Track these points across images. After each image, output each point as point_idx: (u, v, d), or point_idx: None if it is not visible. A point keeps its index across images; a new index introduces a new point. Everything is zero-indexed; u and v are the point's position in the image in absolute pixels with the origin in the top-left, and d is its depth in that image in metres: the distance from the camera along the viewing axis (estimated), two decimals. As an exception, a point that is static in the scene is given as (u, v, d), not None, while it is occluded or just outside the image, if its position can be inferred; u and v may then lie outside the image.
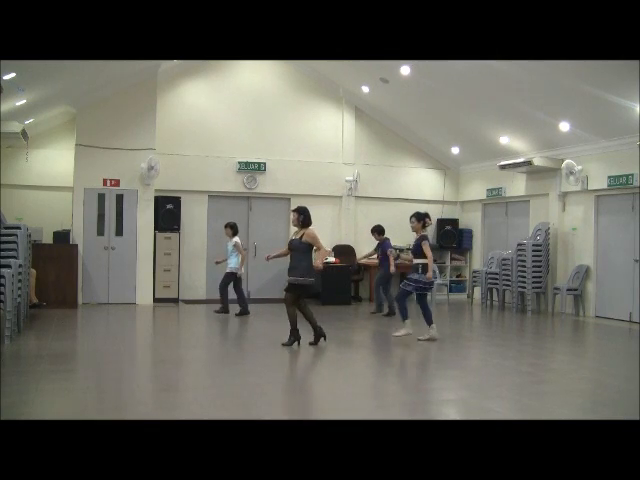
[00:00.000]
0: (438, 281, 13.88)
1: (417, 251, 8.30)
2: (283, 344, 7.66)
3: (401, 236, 14.55)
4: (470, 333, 10.33)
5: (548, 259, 12.04)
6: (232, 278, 10.72)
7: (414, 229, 8.48)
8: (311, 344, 7.71)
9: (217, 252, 13.28)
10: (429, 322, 8.39)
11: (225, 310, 10.72)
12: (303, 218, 7.78)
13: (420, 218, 8.46)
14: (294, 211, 7.96)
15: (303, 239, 7.67)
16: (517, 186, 13.16)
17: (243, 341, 8.52)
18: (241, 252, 10.68)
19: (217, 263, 11.12)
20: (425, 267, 8.20)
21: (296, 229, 7.94)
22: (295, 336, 7.71)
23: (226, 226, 10.96)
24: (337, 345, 8.17)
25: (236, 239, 10.75)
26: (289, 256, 7.86)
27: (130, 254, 12.12)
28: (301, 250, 7.65)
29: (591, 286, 11.47)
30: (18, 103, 9.86)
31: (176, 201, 12.65)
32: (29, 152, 11.99)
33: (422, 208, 14.63)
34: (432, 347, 8.45)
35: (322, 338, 7.83)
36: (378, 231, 11.31)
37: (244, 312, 10.65)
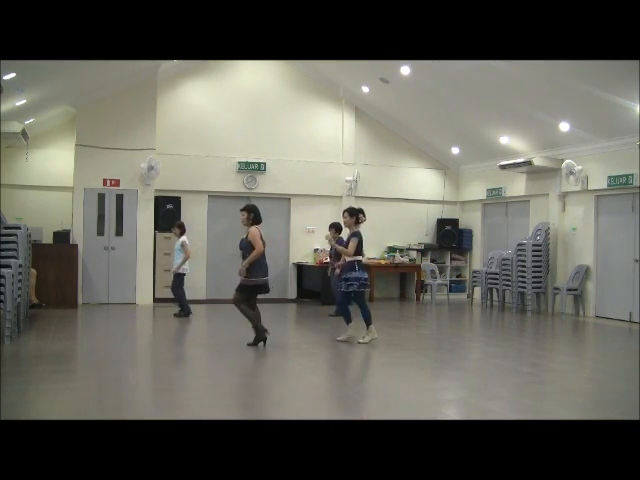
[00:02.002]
0: (438, 281, 13.90)
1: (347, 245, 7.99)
2: (248, 344, 7.55)
3: (402, 236, 14.60)
4: (470, 333, 10.34)
5: (548, 259, 12.04)
6: (182, 278, 10.52)
7: (346, 224, 8.13)
8: (249, 345, 7.53)
9: (217, 252, 13.32)
10: (368, 323, 8.08)
11: (187, 312, 10.46)
12: (254, 216, 7.60)
13: (353, 213, 8.08)
14: (243, 210, 7.73)
15: (248, 238, 7.50)
16: (517, 186, 13.16)
17: (242, 341, 8.51)
18: (187, 252, 10.41)
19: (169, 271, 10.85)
20: (360, 263, 7.93)
21: (246, 228, 7.71)
22: (260, 334, 7.55)
23: (174, 225, 10.75)
24: (339, 345, 8.17)
25: (183, 238, 10.49)
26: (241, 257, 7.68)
27: (130, 254, 12.13)
28: (249, 250, 7.45)
29: (591, 286, 11.47)
30: (18, 103, 9.86)
31: (176, 201, 12.66)
32: (29, 152, 11.99)
33: (422, 208, 14.82)
34: (431, 347, 8.45)
35: (263, 342, 7.57)
36: (337, 228, 10.50)
37: (188, 313, 10.44)
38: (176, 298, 10.62)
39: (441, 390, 5.98)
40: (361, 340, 8.03)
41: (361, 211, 8.18)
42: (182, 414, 4.84)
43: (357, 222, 8.09)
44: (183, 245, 10.44)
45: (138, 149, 12.07)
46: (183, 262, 10.42)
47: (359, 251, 8.01)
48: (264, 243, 7.55)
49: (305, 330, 9.98)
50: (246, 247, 7.50)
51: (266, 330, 7.59)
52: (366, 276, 8.03)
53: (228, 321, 10.54)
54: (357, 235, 7.97)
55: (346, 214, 8.15)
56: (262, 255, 7.50)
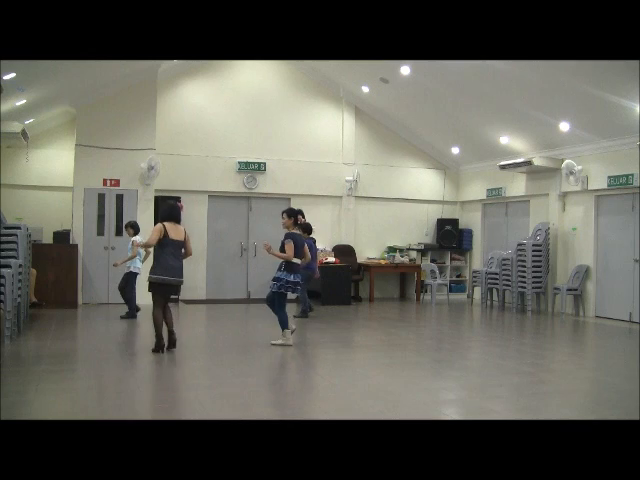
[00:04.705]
0: (438, 281, 13.89)
1: (282, 249, 7.81)
2: (153, 350, 7.23)
3: (402, 236, 14.61)
4: (470, 333, 10.33)
5: (548, 259, 12.04)
6: (134, 278, 10.20)
7: (285, 225, 7.90)
8: (153, 351, 7.23)
9: (217, 252, 13.33)
10: (282, 327, 7.81)
11: (132, 314, 10.16)
12: (162, 213, 7.41)
13: (291, 214, 7.92)
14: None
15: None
16: (517, 186, 13.17)
17: (241, 341, 8.51)
18: (133, 251, 10.04)
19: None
20: (290, 265, 7.67)
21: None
22: (157, 343, 7.25)
23: (126, 226, 10.46)
24: (340, 345, 8.18)
25: (134, 237, 10.15)
26: None
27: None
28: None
29: (591, 286, 11.47)
30: (18, 103, 9.86)
31: (176, 201, 12.62)
32: (29, 152, 11.99)
33: (422, 208, 14.82)
34: (432, 347, 8.45)
35: (161, 349, 7.24)
36: (305, 229, 10.08)
37: (132, 315, 10.14)
38: (125, 297, 10.23)
39: (441, 390, 5.98)
40: (273, 341, 7.85)
41: (300, 212, 8.07)
42: (182, 414, 4.84)
43: (296, 223, 8.01)
44: (132, 243, 10.04)
45: (138, 149, 12.06)
46: (126, 260, 10.09)
47: (296, 253, 7.74)
48: (171, 243, 7.20)
49: (304, 330, 9.96)
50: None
51: (172, 334, 7.36)
52: (292, 279, 7.68)
53: (228, 321, 10.55)
54: (291, 237, 7.77)
55: (285, 215, 7.96)
56: (165, 254, 7.19)
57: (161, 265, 7.19)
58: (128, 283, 10.20)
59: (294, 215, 7.99)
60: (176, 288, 7.54)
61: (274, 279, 7.75)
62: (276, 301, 7.84)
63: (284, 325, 7.78)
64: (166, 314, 7.38)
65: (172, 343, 7.34)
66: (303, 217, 8.10)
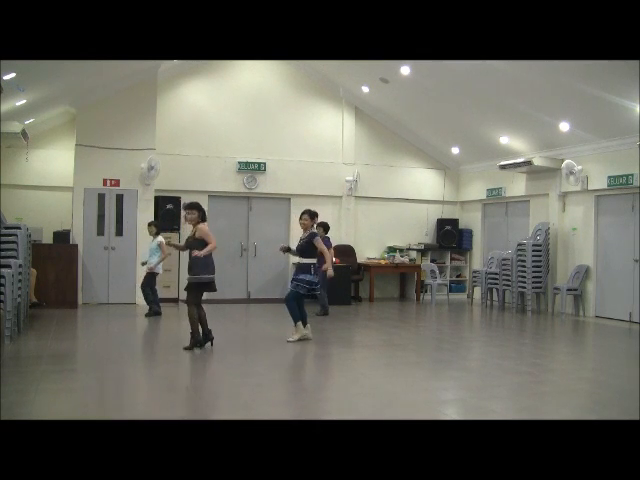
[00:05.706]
0: (438, 281, 13.88)
1: (307, 249, 8.04)
2: (184, 348, 7.38)
3: (402, 236, 14.61)
4: (470, 333, 10.33)
5: (548, 259, 12.04)
6: (154, 278, 10.48)
7: (305, 226, 8.20)
8: (185, 349, 7.40)
9: (217, 252, 13.27)
10: (304, 322, 8.16)
11: (155, 312, 10.46)
12: (202, 214, 7.56)
13: (313, 216, 8.28)
14: (189, 209, 7.61)
15: (197, 235, 7.46)
16: (517, 186, 13.17)
17: (241, 341, 8.51)
18: (164, 252, 10.37)
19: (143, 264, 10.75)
20: (316, 268, 8.05)
21: (191, 227, 7.70)
22: (196, 339, 7.43)
23: (150, 224, 10.70)
24: (340, 345, 8.17)
25: (160, 238, 10.44)
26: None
27: (130, 254, 12.11)
28: (196, 247, 7.38)
29: (591, 286, 11.47)
30: (18, 103, 9.86)
31: (176, 201, 12.64)
32: (29, 152, 11.99)
33: (422, 208, 14.83)
34: (431, 347, 8.45)
35: (210, 343, 7.57)
36: (325, 227, 10.91)
37: (156, 312, 10.40)
38: (149, 299, 10.54)
39: (441, 390, 5.98)
40: (290, 339, 8.04)
41: (317, 214, 8.47)
42: (182, 414, 4.84)
43: (313, 225, 8.36)
44: (160, 245, 10.39)
45: (138, 149, 12.06)
46: (160, 261, 10.44)
47: (315, 254, 8.09)
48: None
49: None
50: (193, 244, 7.43)
51: (209, 333, 7.56)
52: (316, 281, 8.07)
53: (228, 321, 10.54)
54: (317, 235, 8.19)
55: (306, 216, 8.24)
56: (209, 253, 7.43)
57: (207, 265, 7.42)
58: (148, 283, 10.47)
59: (315, 216, 8.37)
60: (214, 285, 7.63)
61: (300, 281, 7.98)
62: (290, 297, 8.07)
63: (296, 318, 8.05)
64: (201, 314, 7.56)
65: (210, 341, 7.58)
66: (317, 218, 8.57)
